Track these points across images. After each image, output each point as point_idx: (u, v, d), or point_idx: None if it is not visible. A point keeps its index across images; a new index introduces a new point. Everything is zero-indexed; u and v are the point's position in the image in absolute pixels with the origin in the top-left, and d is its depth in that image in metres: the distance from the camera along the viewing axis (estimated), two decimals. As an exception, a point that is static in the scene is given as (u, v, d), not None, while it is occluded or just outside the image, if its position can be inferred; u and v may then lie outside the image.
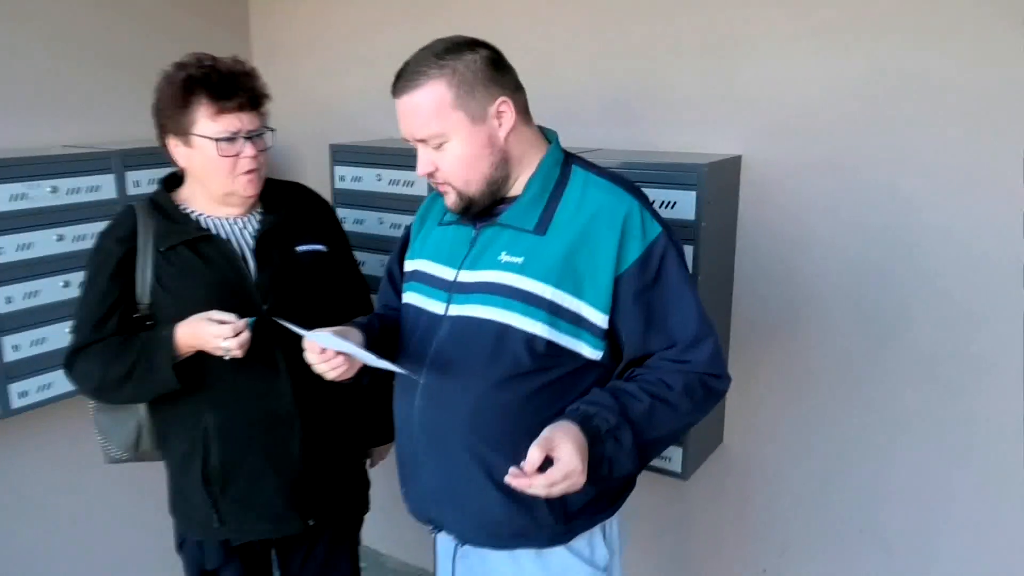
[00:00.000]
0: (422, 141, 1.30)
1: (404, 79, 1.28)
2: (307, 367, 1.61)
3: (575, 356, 1.34)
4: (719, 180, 1.97)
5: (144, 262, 1.49)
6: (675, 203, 1.90)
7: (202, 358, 1.51)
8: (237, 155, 1.51)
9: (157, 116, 1.51)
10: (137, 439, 1.64)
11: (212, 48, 1.56)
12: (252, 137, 1.54)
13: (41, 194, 2.11)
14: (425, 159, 1.31)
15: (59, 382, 2.16)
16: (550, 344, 1.32)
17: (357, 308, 1.72)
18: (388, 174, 2.35)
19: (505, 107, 1.29)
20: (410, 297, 1.45)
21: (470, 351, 1.34)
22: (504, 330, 1.31)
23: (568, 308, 1.32)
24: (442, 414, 1.36)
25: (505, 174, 1.33)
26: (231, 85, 1.51)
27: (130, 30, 2.51)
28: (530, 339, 1.30)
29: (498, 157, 1.31)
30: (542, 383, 1.33)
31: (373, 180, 2.38)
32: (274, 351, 1.56)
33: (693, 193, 1.88)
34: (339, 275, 1.75)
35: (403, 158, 2.28)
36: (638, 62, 2.16)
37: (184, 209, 1.58)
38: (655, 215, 1.36)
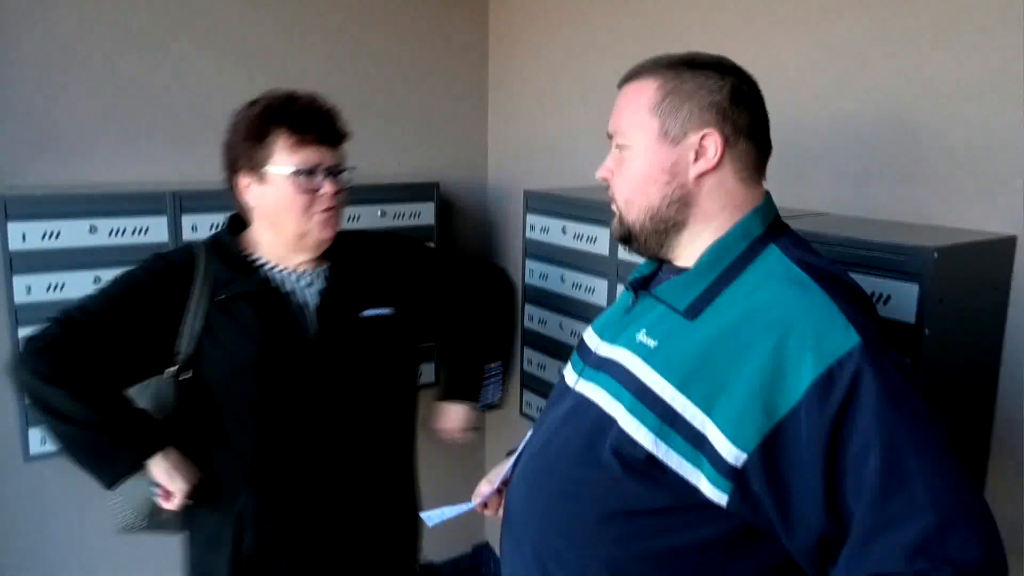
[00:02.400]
0: (611, 137, 1.16)
1: (630, 71, 1.15)
2: (359, 454, 1.48)
3: (687, 488, 1.01)
4: (966, 268, 1.38)
5: (196, 309, 1.38)
6: (888, 297, 1.37)
7: (252, 429, 1.40)
8: (315, 191, 1.40)
9: (229, 152, 1.43)
10: (156, 507, 1.45)
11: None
12: (332, 174, 1.43)
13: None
14: (608, 161, 1.17)
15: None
16: (651, 459, 1.02)
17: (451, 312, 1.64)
18: (573, 227, 2.09)
19: (710, 142, 1.07)
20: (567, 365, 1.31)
21: (568, 434, 1.15)
22: (604, 421, 1.08)
23: (688, 421, 1.01)
24: (525, 497, 1.18)
25: (679, 219, 1.11)
26: (311, 117, 1.41)
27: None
28: (627, 443, 1.04)
29: (675, 193, 1.09)
30: (633, 508, 1.05)
31: (558, 232, 2.14)
32: (327, 433, 1.41)
33: (915, 287, 1.34)
34: (406, 336, 1.61)
35: (590, 210, 2.01)
36: (885, 105, 1.64)
37: (248, 256, 1.48)
38: (860, 324, 0.96)
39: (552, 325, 2.17)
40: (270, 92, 1.43)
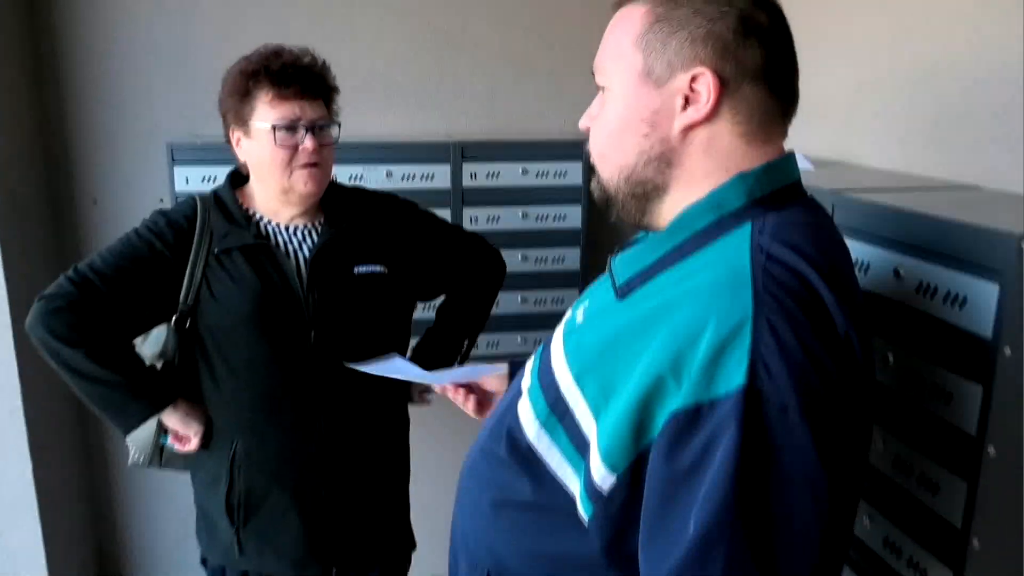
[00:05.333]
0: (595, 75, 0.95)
1: None
2: (347, 408, 1.48)
3: (566, 494, 0.89)
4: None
5: (196, 261, 1.43)
6: (964, 299, 1.02)
7: (245, 379, 1.45)
8: (295, 147, 1.39)
9: (221, 107, 1.45)
10: (161, 446, 1.54)
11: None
12: (314, 128, 1.40)
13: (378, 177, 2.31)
14: (591, 106, 0.95)
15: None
16: (531, 451, 0.92)
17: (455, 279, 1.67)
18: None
19: (702, 85, 0.83)
20: None
21: (503, 402, 1.06)
22: (517, 394, 0.99)
23: (577, 420, 0.87)
24: (467, 465, 1.08)
25: (659, 183, 0.88)
26: (293, 72, 1.39)
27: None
28: (516, 425, 0.95)
29: (655, 148, 0.86)
30: (517, 498, 0.94)
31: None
32: (315, 387, 1.42)
33: (995, 287, 0.97)
34: (397, 296, 1.57)
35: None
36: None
37: (247, 210, 1.50)
38: (767, 363, 0.72)
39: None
40: (261, 47, 1.44)
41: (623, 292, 0.89)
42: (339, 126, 1.49)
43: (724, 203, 0.85)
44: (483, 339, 2.53)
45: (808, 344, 0.72)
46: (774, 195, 0.85)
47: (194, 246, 1.44)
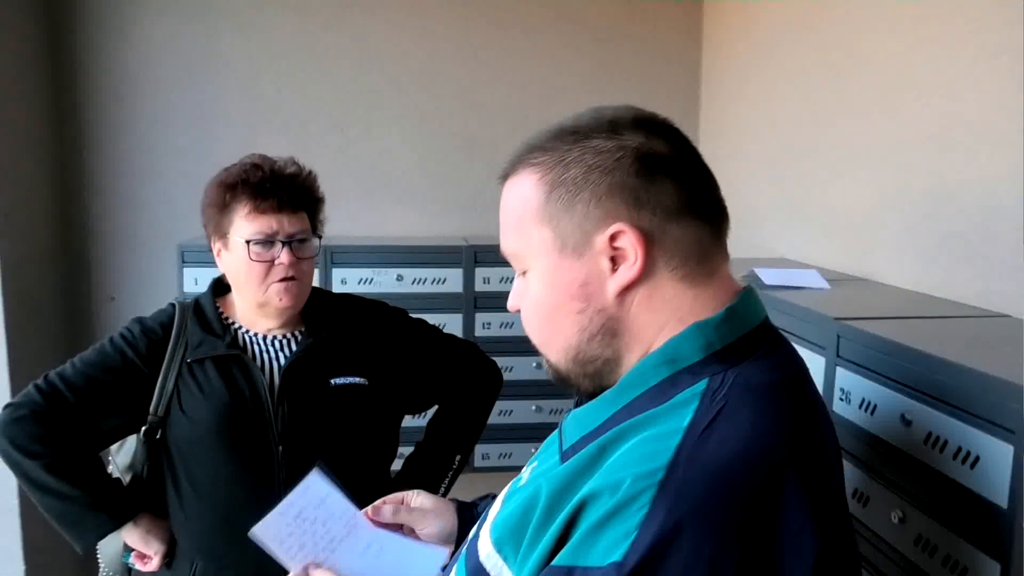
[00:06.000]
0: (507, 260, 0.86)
1: (510, 161, 0.83)
2: None
3: None
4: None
5: (169, 371, 1.39)
6: (977, 458, 0.89)
7: (208, 497, 1.38)
8: (272, 260, 1.35)
9: (202, 217, 1.42)
10: (125, 564, 1.45)
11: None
12: (292, 242, 1.36)
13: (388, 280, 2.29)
14: (514, 289, 0.85)
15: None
16: None
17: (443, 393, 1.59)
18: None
19: (624, 243, 0.73)
20: None
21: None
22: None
23: None
24: None
25: (609, 355, 0.77)
26: (271, 185, 1.35)
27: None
28: None
29: (594, 322, 0.77)
30: None
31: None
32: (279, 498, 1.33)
33: (1008, 449, 0.85)
34: (380, 408, 1.48)
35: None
36: None
37: (225, 319, 1.45)
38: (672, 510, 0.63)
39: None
40: (245, 157, 1.42)
41: (566, 456, 0.77)
42: (320, 238, 1.45)
43: (679, 357, 0.73)
44: (495, 449, 2.44)
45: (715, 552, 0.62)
46: (737, 344, 0.74)
47: (167, 355, 1.40)
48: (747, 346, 0.75)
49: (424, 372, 1.55)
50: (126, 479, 1.43)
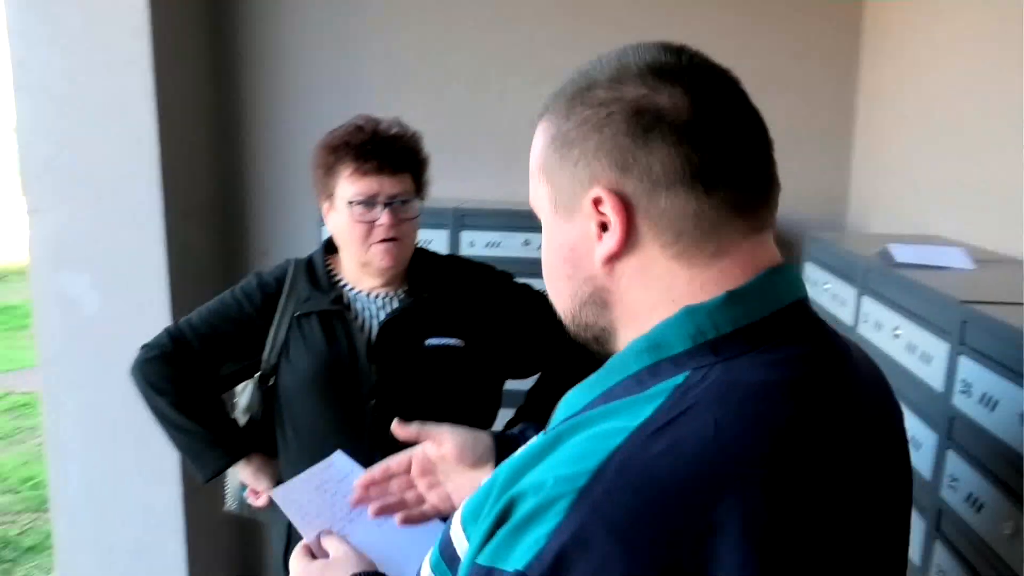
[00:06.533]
0: None
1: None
2: None
3: None
4: None
5: (280, 322, 1.46)
6: None
7: (307, 443, 1.45)
8: (373, 222, 1.38)
9: (312, 178, 1.47)
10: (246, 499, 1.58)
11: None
12: (393, 204, 1.38)
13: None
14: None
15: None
16: None
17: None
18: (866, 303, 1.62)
19: (606, 209, 0.65)
20: None
21: None
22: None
23: (459, 555, 0.73)
24: None
25: (603, 325, 0.72)
26: (373, 148, 1.37)
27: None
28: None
29: (583, 289, 0.71)
30: None
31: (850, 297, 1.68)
32: (370, 460, 1.37)
33: None
34: (476, 371, 1.49)
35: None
36: None
37: (334, 276, 1.50)
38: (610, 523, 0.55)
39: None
40: (351, 119, 1.45)
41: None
42: (422, 200, 1.48)
43: (664, 344, 0.65)
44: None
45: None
46: (739, 334, 0.64)
47: (279, 308, 1.48)
48: (755, 336, 0.64)
49: (526, 337, 1.55)
50: (243, 421, 1.55)
